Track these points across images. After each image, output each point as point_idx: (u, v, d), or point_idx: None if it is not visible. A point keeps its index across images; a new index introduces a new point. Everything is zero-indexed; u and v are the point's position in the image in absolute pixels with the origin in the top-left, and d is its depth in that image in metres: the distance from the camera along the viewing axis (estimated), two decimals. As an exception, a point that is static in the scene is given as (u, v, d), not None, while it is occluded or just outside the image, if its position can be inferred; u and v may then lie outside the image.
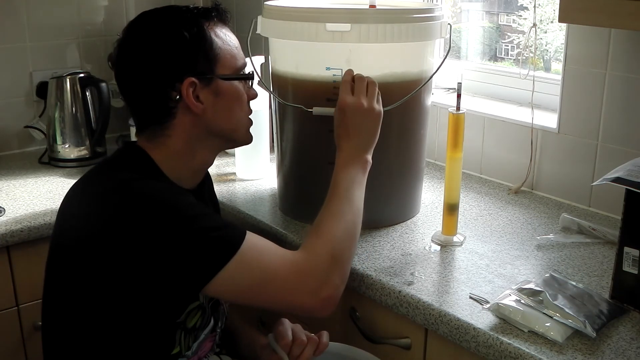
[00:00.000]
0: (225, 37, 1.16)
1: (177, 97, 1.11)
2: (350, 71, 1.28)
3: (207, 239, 1.02)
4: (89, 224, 1.03)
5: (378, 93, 1.26)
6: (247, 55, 1.46)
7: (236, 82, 1.17)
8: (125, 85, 1.16)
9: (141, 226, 1.00)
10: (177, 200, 1.05)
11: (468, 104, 1.77)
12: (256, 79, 1.25)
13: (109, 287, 1.03)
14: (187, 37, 1.11)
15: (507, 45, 1.91)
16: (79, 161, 1.93)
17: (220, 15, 1.17)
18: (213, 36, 1.14)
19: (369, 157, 1.24)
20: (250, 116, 1.24)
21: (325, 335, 1.21)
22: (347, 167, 1.21)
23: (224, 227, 1.05)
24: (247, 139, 1.24)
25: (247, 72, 1.21)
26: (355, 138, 1.23)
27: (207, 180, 1.34)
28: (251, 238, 1.06)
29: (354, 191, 1.19)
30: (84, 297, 1.05)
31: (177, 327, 1.11)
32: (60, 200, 1.58)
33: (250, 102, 1.23)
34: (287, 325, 1.21)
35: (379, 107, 1.26)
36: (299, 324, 1.22)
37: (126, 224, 1.00)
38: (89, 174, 1.14)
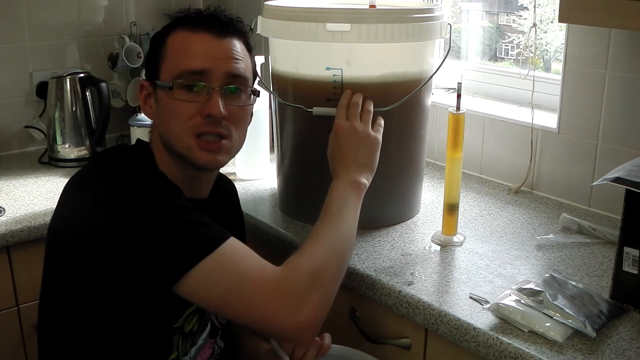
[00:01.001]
0: (182, 41, 1.09)
1: None
2: (347, 94, 1.26)
3: (185, 231, 0.98)
4: (86, 225, 1.01)
5: (379, 123, 1.26)
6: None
7: (168, 92, 1.09)
8: None
9: (129, 221, 0.98)
10: (164, 194, 1.03)
11: (468, 104, 1.77)
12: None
13: (104, 288, 1.02)
14: (151, 42, 1.15)
15: (507, 45, 1.91)
16: (79, 161, 1.93)
17: (200, 21, 1.11)
18: (169, 40, 1.11)
19: (365, 181, 1.19)
20: (200, 135, 1.08)
21: (327, 337, 1.20)
22: (340, 189, 1.17)
23: (206, 224, 1.02)
24: (195, 159, 1.10)
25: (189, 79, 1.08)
26: (350, 161, 1.20)
27: (226, 195, 1.31)
28: (233, 242, 1.02)
29: (345, 213, 1.13)
30: (80, 298, 1.04)
31: (175, 332, 1.10)
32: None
33: (209, 116, 1.07)
34: None
35: (375, 134, 1.24)
36: None
37: (118, 223, 0.98)
38: (86, 170, 1.13)
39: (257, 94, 1.17)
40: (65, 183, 1.12)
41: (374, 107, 1.31)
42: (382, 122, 1.27)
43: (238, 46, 1.13)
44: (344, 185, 1.17)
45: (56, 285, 1.08)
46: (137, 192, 1.01)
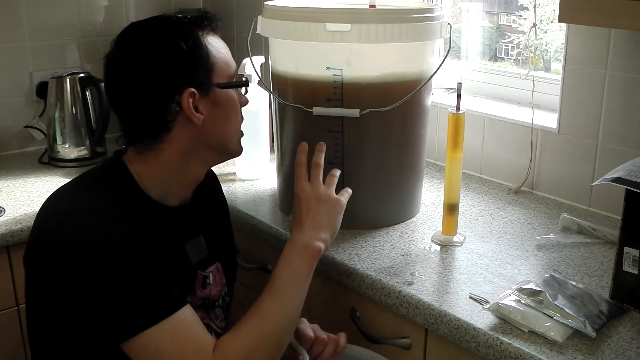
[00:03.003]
0: (217, 45, 1.14)
1: (177, 109, 1.08)
2: (302, 149, 1.23)
3: (137, 296, 0.98)
4: (56, 245, 1.00)
5: (348, 191, 1.23)
6: (247, 55, 1.46)
7: (231, 90, 1.15)
8: (117, 99, 1.12)
9: (86, 268, 0.97)
10: (126, 246, 0.99)
11: (468, 104, 1.77)
12: (255, 79, 1.22)
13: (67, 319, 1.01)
14: (184, 49, 1.08)
15: (507, 45, 1.91)
16: (79, 161, 1.93)
17: (211, 23, 1.14)
18: (207, 45, 1.11)
19: (321, 244, 1.13)
20: (244, 123, 1.21)
21: (343, 337, 1.20)
22: (292, 259, 1.11)
23: (158, 291, 0.99)
24: (238, 150, 1.21)
25: (240, 78, 1.18)
26: (307, 223, 1.15)
27: (210, 192, 1.29)
28: (181, 315, 0.99)
29: (289, 289, 1.09)
30: (58, 307, 1.03)
31: None
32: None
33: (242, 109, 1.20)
34: (307, 324, 1.19)
35: (338, 197, 1.20)
36: (316, 324, 1.21)
37: (77, 269, 0.97)
38: (68, 187, 1.11)
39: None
40: (65, 183, 1.13)
41: (374, 107, 1.32)
42: (350, 190, 1.24)
43: None
44: (294, 251, 1.12)
45: (36, 295, 1.07)
46: (104, 245, 0.98)
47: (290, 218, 1.21)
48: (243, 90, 1.19)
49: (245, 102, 1.20)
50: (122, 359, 1.02)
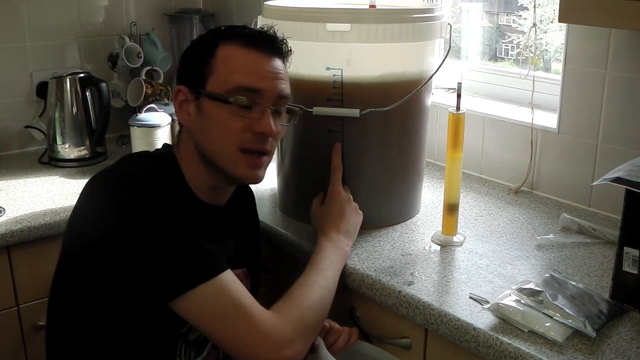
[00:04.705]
0: (235, 56, 1.11)
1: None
2: (339, 149, 1.33)
3: (191, 254, 1.01)
4: (102, 228, 1.03)
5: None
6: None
7: (222, 105, 1.10)
8: None
9: (141, 233, 1.00)
10: (181, 214, 1.04)
11: (468, 104, 1.77)
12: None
13: (110, 287, 1.03)
14: (193, 49, 1.15)
15: (507, 45, 1.91)
16: (79, 161, 1.93)
17: (247, 38, 1.12)
18: (219, 52, 1.11)
19: (348, 251, 1.26)
20: (250, 151, 1.12)
21: (355, 331, 1.23)
22: (330, 250, 1.21)
23: (211, 253, 1.03)
24: (239, 174, 1.14)
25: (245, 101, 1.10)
26: (342, 227, 1.27)
27: (245, 201, 1.34)
28: (232, 275, 1.04)
29: (330, 273, 1.17)
30: (89, 300, 1.06)
31: (179, 339, 1.11)
32: (60, 200, 1.57)
33: (261, 134, 1.12)
34: None
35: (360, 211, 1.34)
36: (329, 318, 1.22)
37: (131, 233, 1.01)
38: (111, 173, 1.13)
39: (293, 113, 1.22)
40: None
41: (374, 107, 1.32)
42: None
43: (282, 67, 1.17)
44: (334, 248, 1.22)
45: (67, 281, 1.09)
46: (156, 207, 1.02)
47: (321, 213, 1.31)
48: (256, 110, 1.11)
49: (259, 128, 1.11)
50: (130, 351, 1.05)
